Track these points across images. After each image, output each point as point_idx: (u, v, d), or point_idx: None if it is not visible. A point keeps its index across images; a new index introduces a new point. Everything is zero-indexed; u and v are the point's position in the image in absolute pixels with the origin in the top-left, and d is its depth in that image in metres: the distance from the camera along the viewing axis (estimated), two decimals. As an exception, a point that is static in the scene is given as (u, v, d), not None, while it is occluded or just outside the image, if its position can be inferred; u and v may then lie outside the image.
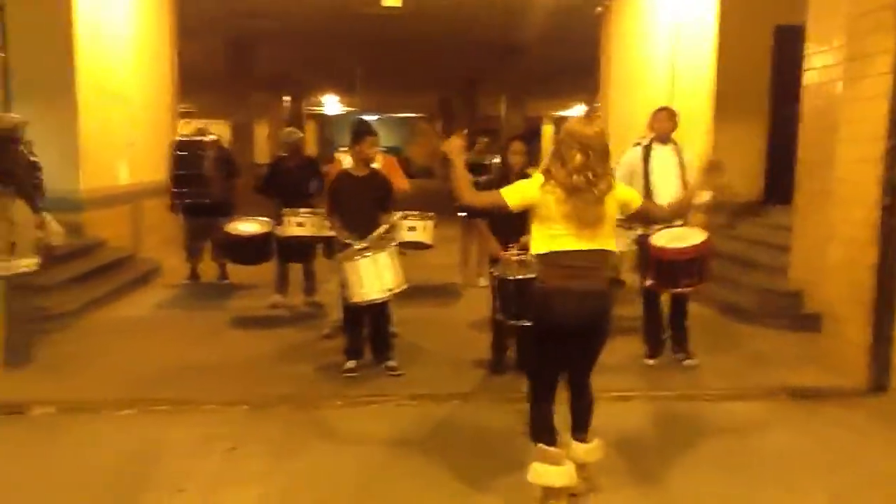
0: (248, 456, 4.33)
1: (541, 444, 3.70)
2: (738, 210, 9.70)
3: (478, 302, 7.03)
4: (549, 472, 3.65)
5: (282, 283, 7.90)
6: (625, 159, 6.11)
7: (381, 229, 5.62)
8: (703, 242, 5.64)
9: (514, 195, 3.74)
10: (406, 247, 6.64)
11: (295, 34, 18.46)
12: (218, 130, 10.64)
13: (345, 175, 5.82)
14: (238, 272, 8.61)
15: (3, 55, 7.12)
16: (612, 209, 3.73)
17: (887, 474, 4.25)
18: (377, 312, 5.65)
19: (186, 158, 8.69)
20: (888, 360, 5.44)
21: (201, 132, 9.09)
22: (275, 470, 4.15)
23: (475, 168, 7.03)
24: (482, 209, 4.32)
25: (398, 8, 13.40)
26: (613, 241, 3.80)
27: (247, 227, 7.53)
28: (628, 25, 12.77)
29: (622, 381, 5.65)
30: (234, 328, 7.25)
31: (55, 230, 6.87)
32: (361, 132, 5.76)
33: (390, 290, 5.38)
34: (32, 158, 6.68)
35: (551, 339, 3.69)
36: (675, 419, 5.05)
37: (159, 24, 12.29)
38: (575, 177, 3.59)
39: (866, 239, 5.52)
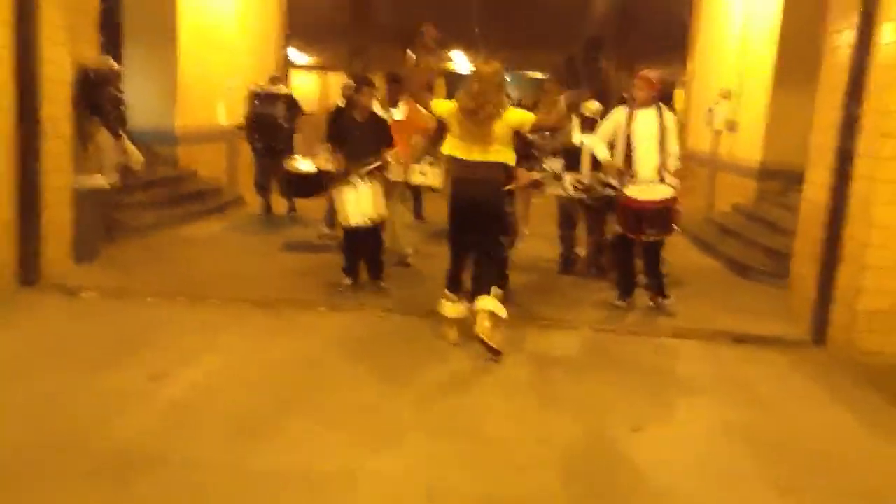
0: (227, 336, 5.35)
1: (446, 290, 5.51)
2: (794, 178, 9.83)
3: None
4: (444, 306, 5.49)
5: (331, 217, 8.86)
6: (611, 116, 6.63)
7: (371, 165, 6.44)
8: (668, 198, 6.15)
9: (439, 107, 5.48)
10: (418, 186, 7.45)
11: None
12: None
13: (348, 117, 6.69)
14: (307, 207, 9.67)
15: (103, 5, 8.32)
16: (500, 130, 5.16)
17: (770, 408, 4.71)
18: (369, 237, 6.51)
19: (261, 108, 9.83)
20: (827, 314, 5.76)
21: (274, 81, 10.16)
22: (240, 348, 5.15)
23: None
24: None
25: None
26: (506, 154, 5.27)
27: (303, 165, 8.53)
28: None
29: (580, 315, 6.31)
30: (278, 250, 8.34)
31: (134, 156, 8.15)
32: (361, 84, 6.62)
33: (371, 218, 6.27)
34: (118, 95, 7.88)
35: (455, 215, 5.37)
36: (606, 348, 5.64)
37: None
38: (469, 101, 5.09)
39: (823, 201, 5.83)
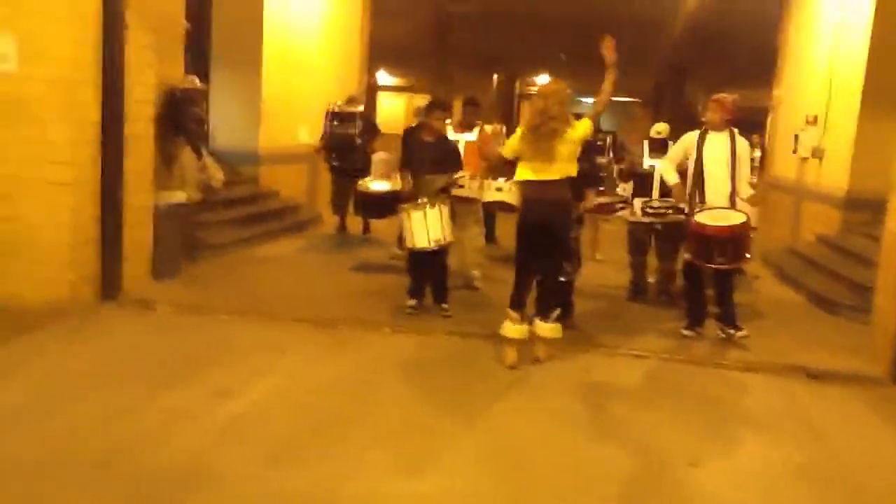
0: (290, 355, 5.46)
1: (508, 309, 5.50)
2: (882, 208, 9.43)
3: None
4: (506, 326, 5.48)
5: (402, 239, 8.95)
6: (682, 139, 6.53)
7: (439, 184, 6.49)
8: (739, 224, 5.98)
9: (506, 149, 5.60)
10: (492, 207, 7.47)
11: (495, 15, 19.50)
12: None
13: (417, 139, 6.78)
14: (382, 228, 9.79)
15: (188, 25, 8.69)
16: (565, 146, 5.31)
17: (836, 447, 4.51)
18: (434, 260, 6.55)
19: (338, 128, 10.03)
20: (909, 351, 5.48)
21: (351, 103, 10.37)
22: (300, 367, 5.24)
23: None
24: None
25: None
26: (571, 169, 5.39)
27: (375, 185, 8.67)
28: (803, 16, 12.48)
29: (646, 343, 6.18)
30: (349, 270, 8.46)
31: (216, 174, 8.45)
32: (432, 107, 6.73)
33: (437, 241, 6.31)
34: (201, 114, 8.19)
35: (522, 235, 5.47)
36: (670, 379, 5.52)
37: (350, 5, 13.78)
38: (533, 116, 5.29)
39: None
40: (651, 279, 7.75)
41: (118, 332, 5.81)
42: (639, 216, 7.40)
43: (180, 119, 7.91)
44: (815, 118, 10.87)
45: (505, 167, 6.07)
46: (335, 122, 10.18)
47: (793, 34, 12.90)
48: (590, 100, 35.61)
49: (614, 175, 8.20)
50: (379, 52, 27.22)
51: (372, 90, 32.21)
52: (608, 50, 5.42)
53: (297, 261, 8.92)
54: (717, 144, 6.23)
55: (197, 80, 8.27)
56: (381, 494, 3.59)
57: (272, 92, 10.92)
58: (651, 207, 7.26)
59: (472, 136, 7.80)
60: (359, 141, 10.06)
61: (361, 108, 10.40)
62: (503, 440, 4.31)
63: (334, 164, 10.19)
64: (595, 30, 17.23)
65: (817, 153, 10.73)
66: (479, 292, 7.51)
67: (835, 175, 10.07)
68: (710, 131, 6.32)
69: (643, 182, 7.45)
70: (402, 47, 24.81)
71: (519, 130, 5.57)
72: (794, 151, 11.49)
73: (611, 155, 8.97)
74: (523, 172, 5.49)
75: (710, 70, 21.95)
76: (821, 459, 4.28)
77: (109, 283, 6.39)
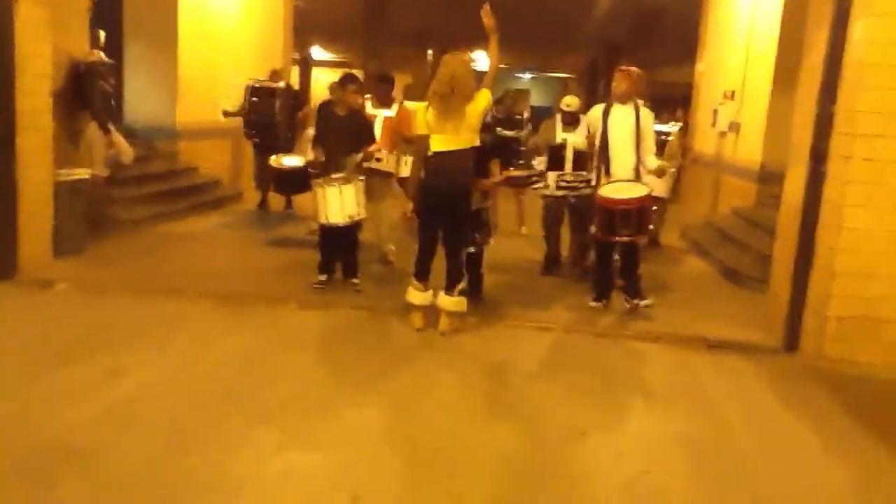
0: (189, 332, 5.36)
1: (412, 278, 5.64)
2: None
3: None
4: (410, 292, 5.65)
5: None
6: (589, 113, 6.57)
7: (355, 160, 6.44)
8: (641, 197, 6.04)
9: (419, 127, 5.54)
10: (373, 174, 7.40)
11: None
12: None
13: (331, 114, 6.69)
14: (306, 204, 9.63)
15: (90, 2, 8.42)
16: (472, 115, 5.35)
17: (724, 418, 4.57)
18: (345, 235, 6.50)
19: (258, 103, 9.84)
20: (800, 321, 5.62)
21: (273, 78, 10.18)
22: (198, 345, 5.15)
23: None
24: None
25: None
26: (475, 137, 5.46)
27: (288, 160, 8.55)
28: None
29: (552, 316, 6.24)
30: (264, 246, 8.36)
31: (125, 150, 8.25)
32: (345, 81, 6.64)
33: (350, 217, 6.26)
34: (108, 89, 7.95)
35: (425, 203, 5.51)
36: (572, 350, 5.57)
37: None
38: (441, 86, 5.28)
39: (798, 203, 5.70)
40: (566, 252, 7.81)
41: (9, 312, 5.65)
42: (553, 189, 7.44)
43: (85, 94, 7.70)
44: (733, 93, 11.07)
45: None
46: (255, 98, 10.00)
47: (713, 10, 13.08)
48: (526, 75, 35.64)
49: (530, 147, 8.23)
50: (313, 26, 26.89)
51: (306, 65, 31.84)
52: (486, 16, 5.42)
53: (213, 237, 8.77)
54: (622, 117, 6.28)
55: (102, 54, 8.03)
56: (266, 470, 3.55)
57: (189, 65, 10.68)
58: (564, 181, 7.30)
59: (391, 112, 7.72)
60: (279, 117, 9.90)
61: (283, 83, 10.22)
62: (397, 414, 4.31)
63: (255, 140, 10.02)
64: (530, 6, 17.23)
65: (734, 127, 10.94)
66: (393, 267, 7.48)
67: (750, 149, 10.28)
68: (615, 104, 6.36)
69: (557, 155, 7.47)
70: (337, 22, 24.51)
71: (424, 104, 5.56)
72: (713, 125, 11.69)
73: (529, 128, 9.03)
74: (433, 144, 5.49)
75: (645, 47, 22.10)
76: (707, 430, 4.34)
77: (4, 262, 6.20)
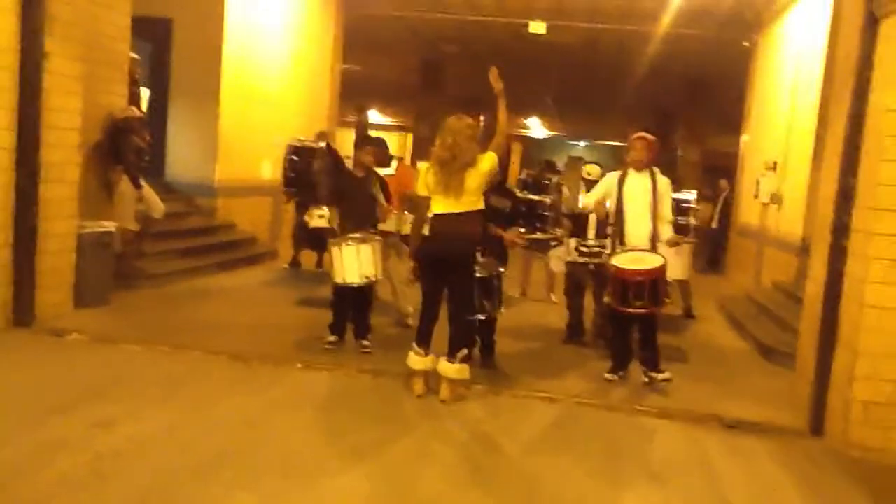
0: (188, 388, 5.31)
1: (413, 343, 5.50)
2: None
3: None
4: (412, 358, 5.49)
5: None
6: (603, 180, 6.45)
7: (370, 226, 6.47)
8: (654, 268, 5.85)
9: (420, 188, 5.51)
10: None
11: (478, 58, 19.63)
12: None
13: (347, 175, 6.71)
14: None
15: (137, 58, 8.71)
16: (474, 180, 5.28)
17: (724, 501, 4.30)
18: (359, 296, 6.43)
19: (297, 162, 9.96)
20: (824, 402, 5.31)
21: (321, 137, 10.32)
22: (195, 401, 5.08)
23: None
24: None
25: (544, 35, 14.05)
26: (479, 203, 5.39)
27: (318, 219, 8.58)
28: (765, 61, 12.51)
29: (564, 386, 6.02)
30: (288, 304, 8.35)
31: (156, 204, 8.41)
32: (361, 142, 6.67)
33: (367, 277, 6.21)
34: (141, 144, 8.13)
35: (427, 267, 5.46)
36: (578, 423, 5.33)
37: (322, 41, 13.85)
38: (443, 151, 5.23)
39: (822, 278, 5.44)
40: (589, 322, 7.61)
41: (17, 359, 5.69)
42: (574, 256, 7.29)
43: (119, 148, 7.89)
44: (775, 164, 10.83)
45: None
46: (295, 157, 10.12)
47: (758, 80, 12.92)
48: (581, 143, 35.68)
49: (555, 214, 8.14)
50: (370, 90, 27.51)
51: (362, 128, 32.47)
52: (494, 79, 5.38)
53: (239, 293, 8.80)
54: (638, 184, 6.14)
55: (136, 110, 8.25)
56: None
57: (230, 124, 10.91)
58: (585, 247, 7.15)
59: (390, 170, 7.78)
60: (318, 177, 9.94)
61: (324, 143, 10.32)
62: (384, 483, 4.14)
63: (295, 198, 10.11)
64: (582, 75, 17.33)
65: (776, 199, 10.66)
66: (409, 329, 7.34)
67: (792, 221, 9.99)
68: (630, 171, 6.23)
69: (579, 222, 7.35)
70: (393, 86, 25.05)
71: (426, 166, 5.52)
72: (756, 196, 11.42)
73: (565, 190, 8.92)
74: (434, 206, 5.43)
75: (696, 117, 21.99)
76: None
77: (22, 310, 6.28)
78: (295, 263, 10.48)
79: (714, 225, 14.37)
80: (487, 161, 5.33)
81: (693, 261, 9.71)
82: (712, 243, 14.31)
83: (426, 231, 5.51)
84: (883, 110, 4.84)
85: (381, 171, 7.54)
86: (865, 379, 4.97)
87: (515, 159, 34.03)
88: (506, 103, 5.45)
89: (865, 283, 4.91)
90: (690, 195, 9.05)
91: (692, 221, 8.81)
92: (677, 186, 9.45)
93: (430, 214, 5.48)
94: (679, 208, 8.46)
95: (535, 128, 34.85)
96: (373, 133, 29.35)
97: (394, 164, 7.76)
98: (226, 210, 11.02)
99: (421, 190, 5.51)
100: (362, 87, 25.07)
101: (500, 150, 5.50)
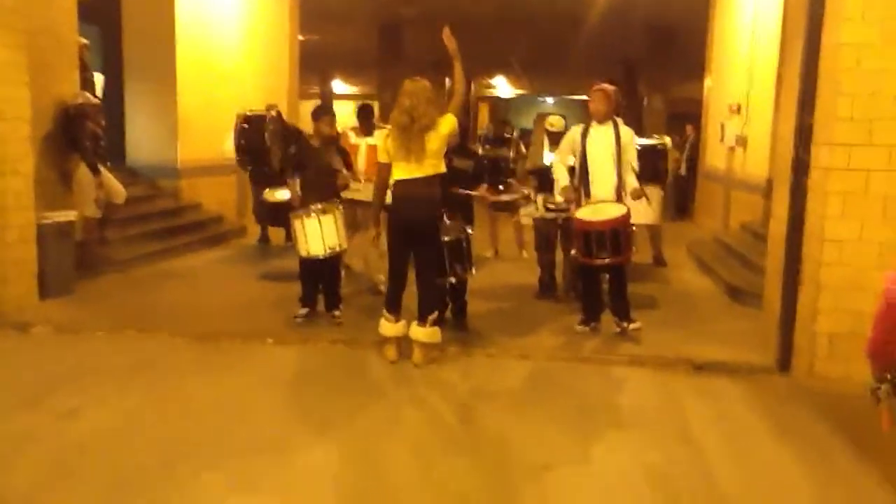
0: (156, 371, 5.28)
1: (384, 310, 5.51)
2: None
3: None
4: (383, 325, 5.50)
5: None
6: (567, 135, 6.41)
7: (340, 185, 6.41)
8: (616, 218, 5.85)
9: (380, 155, 5.41)
10: (354, 204, 7.28)
11: (443, 18, 19.39)
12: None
13: (306, 145, 6.63)
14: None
15: (85, 42, 8.52)
16: (434, 142, 5.21)
17: (701, 445, 4.33)
18: (326, 267, 6.40)
19: (249, 131, 9.77)
20: (791, 338, 5.37)
21: (270, 109, 10.15)
22: (164, 384, 5.06)
23: None
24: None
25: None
26: (440, 167, 5.33)
27: (281, 194, 8.50)
28: (724, 4, 12.47)
29: (536, 342, 6.06)
30: (257, 280, 8.28)
31: (116, 190, 8.28)
32: (320, 112, 6.60)
33: (331, 248, 6.16)
34: (97, 130, 7.97)
35: (393, 233, 5.40)
36: (551, 378, 5.37)
37: (277, 13, 13.62)
38: (401, 116, 5.16)
39: (782, 216, 5.48)
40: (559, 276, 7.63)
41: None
42: (542, 212, 7.28)
43: (74, 136, 7.74)
44: (739, 107, 10.85)
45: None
46: (245, 125, 9.93)
47: (718, 25, 12.88)
48: (549, 99, 35.54)
49: (519, 173, 8.12)
50: (332, 60, 27.14)
51: (327, 98, 32.12)
52: (447, 39, 5.32)
53: (207, 273, 8.72)
54: (601, 137, 6.11)
55: (90, 96, 8.09)
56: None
57: (189, 103, 10.73)
58: (552, 203, 7.13)
59: (374, 139, 7.66)
60: (268, 145, 9.79)
61: (274, 112, 10.16)
62: (355, 453, 4.14)
63: (248, 168, 9.95)
64: (545, 31, 17.17)
65: (741, 141, 10.70)
66: (383, 297, 7.32)
67: (757, 162, 10.03)
68: (593, 123, 6.20)
69: (545, 177, 7.33)
70: (356, 55, 24.72)
71: (385, 132, 5.46)
72: (721, 140, 11.45)
73: (522, 149, 8.90)
74: (395, 172, 5.38)
75: (660, 65, 21.92)
76: (678, 459, 4.12)
77: (-16, 306, 6.19)
78: (263, 239, 10.40)
79: (682, 171, 14.43)
80: (447, 123, 5.28)
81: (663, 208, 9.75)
82: (680, 189, 14.37)
83: (388, 198, 5.48)
84: (836, 44, 4.83)
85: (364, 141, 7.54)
86: (828, 312, 5.04)
87: (483, 119, 34.02)
88: (461, 63, 5.39)
89: (825, 218, 4.94)
90: (664, 140, 9.09)
91: (668, 166, 8.84)
92: (644, 134, 9.54)
93: (392, 181, 5.43)
94: (655, 153, 8.52)
95: (502, 87, 34.72)
96: (339, 103, 29.11)
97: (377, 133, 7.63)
98: (191, 190, 10.88)
99: (381, 157, 5.45)
100: (324, 57, 24.77)
101: (458, 111, 5.44)
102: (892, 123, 4.72)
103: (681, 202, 14.50)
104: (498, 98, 36.85)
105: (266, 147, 9.62)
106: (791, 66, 5.48)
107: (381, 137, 5.53)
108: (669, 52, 21.23)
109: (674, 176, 12.87)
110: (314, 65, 24.24)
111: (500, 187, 8.21)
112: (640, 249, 9.16)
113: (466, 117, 27.16)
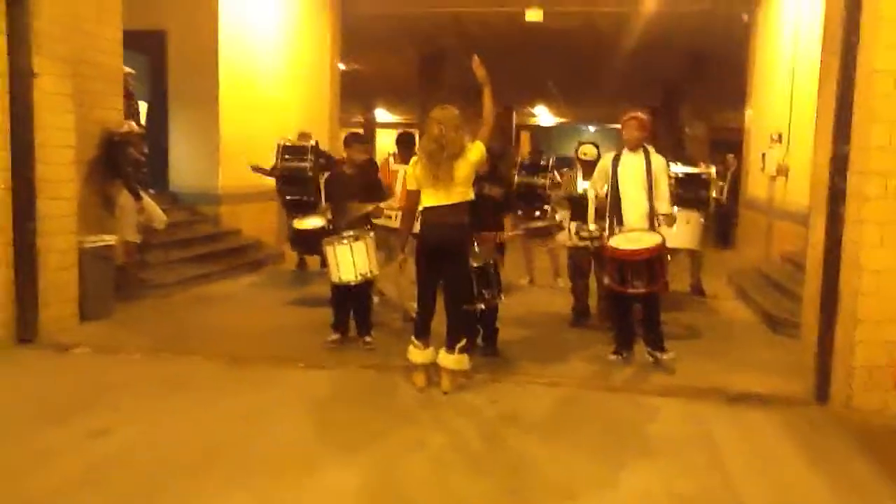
0: (190, 392, 5.35)
1: (413, 337, 5.51)
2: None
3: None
4: (411, 351, 5.48)
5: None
6: (600, 164, 6.41)
7: (361, 212, 6.42)
8: (651, 247, 5.80)
9: (409, 182, 5.47)
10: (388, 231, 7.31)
11: (477, 50, 19.56)
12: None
13: (338, 171, 6.72)
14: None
15: (131, 71, 8.79)
16: (462, 170, 5.23)
17: (737, 478, 4.25)
18: (358, 293, 6.44)
19: (290, 161, 9.93)
20: (828, 369, 5.25)
21: (303, 137, 10.31)
22: (196, 406, 5.11)
23: None
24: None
25: (540, 22, 13.99)
26: (469, 194, 5.35)
27: (310, 221, 8.59)
28: (764, 33, 12.38)
29: (567, 370, 6.02)
30: (292, 305, 8.38)
31: (157, 215, 8.46)
32: (350, 140, 6.70)
33: (362, 275, 6.20)
34: (139, 157, 8.18)
35: (422, 260, 5.39)
36: (581, 406, 5.30)
37: (318, 42, 13.87)
38: (430, 143, 5.19)
39: (819, 246, 5.38)
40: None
41: (18, 373, 5.76)
42: (574, 240, 7.24)
43: (117, 162, 7.95)
44: (780, 136, 10.72)
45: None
46: (286, 156, 10.09)
47: (760, 51, 12.78)
48: (591, 127, 35.53)
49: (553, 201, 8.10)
50: (375, 89, 27.49)
51: (370, 127, 32.52)
52: (476, 67, 5.35)
53: (243, 298, 8.84)
54: (632, 164, 6.08)
55: (134, 125, 8.31)
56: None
57: (230, 131, 10.95)
58: (585, 231, 7.09)
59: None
60: (310, 174, 9.94)
61: (313, 142, 10.31)
62: (381, 477, 4.13)
63: (287, 197, 10.09)
64: (585, 60, 17.15)
65: (782, 171, 10.56)
66: (413, 323, 7.34)
67: (799, 191, 9.85)
68: (625, 151, 6.17)
69: (578, 205, 7.30)
70: (398, 84, 25.02)
71: (414, 159, 5.50)
72: (763, 170, 11.31)
73: (557, 177, 8.87)
74: (424, 199, 5.41)
75: (702, 93, 21.79)
76: (708, 487, 4.05)
77: (25, 327, 6.34)
78: (301, 265, 10.50)
79: (723, 200, 14.24)
80: (476, 151, 5.29)
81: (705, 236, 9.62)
82: (722, 219, 14.19)
83: (417, 226, 5.51)
84: (870, 72, 4.76)
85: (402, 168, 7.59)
86: (866, 343, 4.92)
87: (525, 147, 34.12)
88: (491, 90, 5.42)
89: (861, 247, 4.84)
90: (710, 170, 9.04)
91: (712, 195, 8.76)
92: (687, 163, 9.48)
93: (420, 208, 5.46)
94: (700, 181, 8.46)
95: (543, 116, 34.81)
96: (382, 132, 29.42)
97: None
98: (231, 216, 11.07)
99: (409, 184, 5.48)
100: (367, 86, 25.13)
101: (487, 138, 5.46)
102: (929, 152, 4.62)
103: (723, 231, 14.31)
104: (539, 126, 36.99)
105: (308, 177, 9.76)
106: (825, 94, 5.41)
107: (410, 164, 5.57)
108: (710, 81, 21.10)
109: (716, 205, 12.74)
110: (357, 93, 24.61)
111: (537, 214, 8.20)
112: (680, 278, 9.13)
113: (509, 145, 27.11)
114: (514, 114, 31.58)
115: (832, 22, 5.33)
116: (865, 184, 4.81)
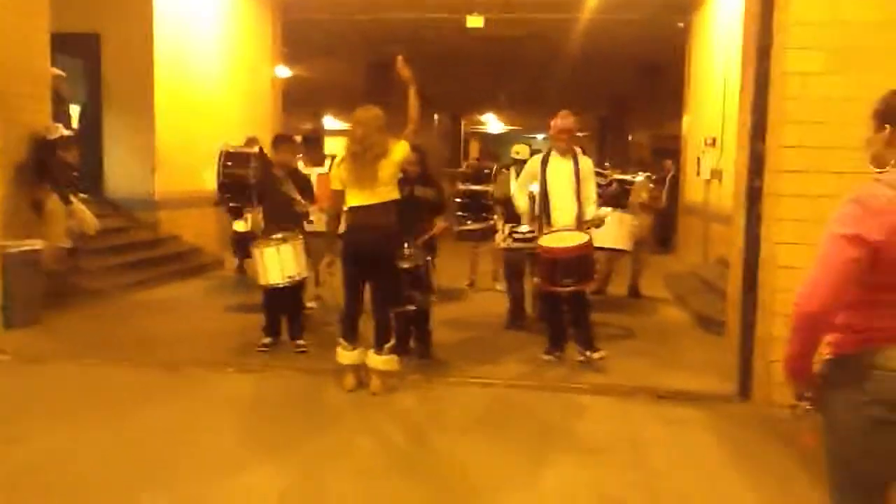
0: (111, 400, 5.24)
1: (340, 338, 5.49)
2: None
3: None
4: (340, 353, 5.47)
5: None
6: (527, 166, 6.47)
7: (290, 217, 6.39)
8: (578, 245, 5.86)
9: (333, 182, 5.46)
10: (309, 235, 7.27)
11: (424, 58, 19.60)
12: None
13: (268, 173, 6.67)
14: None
15: (63, 74, 8.62)
16: (387, 170, 5.24)
17: (653, 472, 4.31)
18: (288, 296, 6.39)
19: (231, 167, 9.82)
20: (750, 366, 5.37)
21: (250, 143, 10.21)
22: (116, 413, 5.01)
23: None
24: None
25: (489, 30, 14.08)
26: (393, 193, 5.36)
27: (239, 224, 8.51)
28: (699, 39, 12.64)
29: (499, 370, 6.05)
30: (227, 311, 8.27)
31: (88, 220, 8.29)
32: (278, 141, 6.65)
33: (290, 277, 6.15)
34: (69, 161, 8.01)
35: (348, 260, 5.39)
36: (510, 406, 5.34)
37: (258, 46, 13.76)
38: (354, 145, 5.18)
39: (739, 244, 5.51)
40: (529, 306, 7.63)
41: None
42: (508, 242, 7.30)
43: (46, 166, 7.77)
44: (714, 140, 10.93)
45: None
46: (228, 163, 9.99)
47: (695, 60, 13.04)
48: (539, 136, 35.94)
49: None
50: (323, 96, 27.31)
51: (318, 135, 32.32)
52: (401, 66, 5.38)
53: (179, 304, 8.70)
54: (561, 166, 6.15)
55: (62, 128, 8.14)
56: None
57: (167, 136, 10.79)
58: (518, 232, 7.15)
59: (323, 169, 7.75)
60: (252, 181, 9.85)
61: (257, 148, 10.23)
62: (301, 475, 4.12)
63: (230, 204, 9.98)
64: (532, 68, 17.25)
65: (716, 174, 10.76)
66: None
67: (732, 195, 10.05)
68: (553, 153, 6.25)
69: (512, 208, 7.35)
70: (345, 91, 24.92)
71: (337, 160, 5.50)
72: (698, 174, 11.52)
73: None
74: (349, 199, 5.41)
75: (648, 101, 22.14)
76: (634, 485, 4.09)
77: (-54, 336, 6.16)
78: (241, 270, 10.37)
79: (662, 205, 14.45)
80: (399, 150, 5.31)
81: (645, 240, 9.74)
82: (662, 223, 14.40)
83: (342, 226, 5.50)
84: (781, 73, 4.90)
85: (313, 171, 7.56)
86: (784, 339, 4.99)
87: (473, 154, 34.27)
88: (416, 91, 5.44)
89: (778, 245, 4.96)
90: (637, 177, 9.14)
91: (635, 200, 8.86)
92: (629, 169, 9.59)
93: (345, 208, 5.45)
94: (622, 188, 8.57)
95: (492, 123, 35.02)
96: (331, 139, 29.32)
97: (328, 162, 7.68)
98: (170, 222, 10.90)
99: (334, 184, 5.48)
100: (317, 93, 24.99)
101: (412, 137, 5.48)
102: (840, 151, 4.74)
103: (662, 236, 14.53)
104: (487, 134, 37.20)
105: (251, 184, 9.64)
106: (744, 96, 5.55)
107: (334, 165, 5.56)
108: (656, 88, 21.47)
109: (655, 210, 12.93)
110: (307, 101, 24.45)
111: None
112: (619, 282, 9.25)
113: (447, 148, 26.99)
114: (462, 121, 31.71)
115: (749, 26, 5.46)
116: (780, 183, 4.93)
